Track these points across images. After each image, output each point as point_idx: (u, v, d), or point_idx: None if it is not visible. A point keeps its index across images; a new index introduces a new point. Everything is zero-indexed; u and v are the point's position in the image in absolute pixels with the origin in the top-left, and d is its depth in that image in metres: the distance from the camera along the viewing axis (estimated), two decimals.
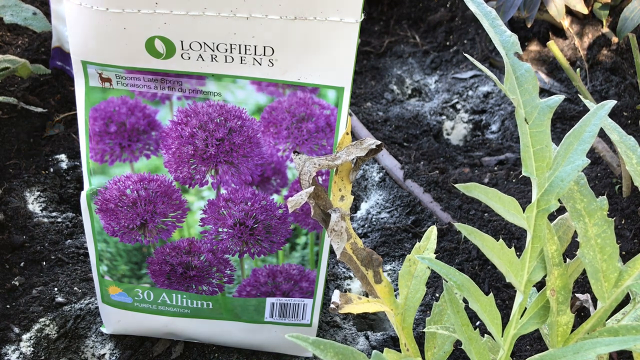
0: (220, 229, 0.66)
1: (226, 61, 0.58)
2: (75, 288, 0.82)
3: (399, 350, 0.60)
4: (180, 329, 0.75)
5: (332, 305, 0.53)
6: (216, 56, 0.57)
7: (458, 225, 0.51)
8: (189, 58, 0.57)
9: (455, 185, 0.50)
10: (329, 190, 0.63)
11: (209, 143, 0.62)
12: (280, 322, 0.73)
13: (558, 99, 0.50)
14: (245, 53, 0.57)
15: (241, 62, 0.58)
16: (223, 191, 0.65)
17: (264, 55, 0.57)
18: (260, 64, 0.57)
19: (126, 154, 0.64)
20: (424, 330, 0.61)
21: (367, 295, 0.58)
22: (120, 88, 0.60)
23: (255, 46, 0.56)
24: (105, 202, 0.65)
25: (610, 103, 0.51)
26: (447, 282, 0.54)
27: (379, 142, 0.58)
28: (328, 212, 0.57)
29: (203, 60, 0.57)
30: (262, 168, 0.63)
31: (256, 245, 0.67)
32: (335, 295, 0.54)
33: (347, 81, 0.58)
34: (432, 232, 0.63)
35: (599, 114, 0.51)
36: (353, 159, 0.58)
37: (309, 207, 0.63)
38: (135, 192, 0.65)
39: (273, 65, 0.57)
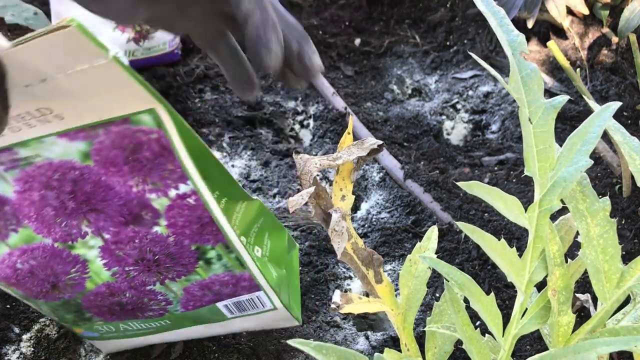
0: (126, 268, 0.65)
1: (13, 131, 0.53)
2: None
3: (399, 350, 0.60)
4: (157, 340, 0.75)
5: (332, 305, 0.53)
6: (20, 129, 0.53)
7: (460, 224, 0.51)
8: None
9: (458, 184, 0.50)
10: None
11: (64, 199, 0.59)
12: (244, 314, 0.72)
13: (562, 99, 0.50)
14: (28, 119, 0.53)
15: (30, 127, 0.53)
16: (107, 236, 0.62)
17: (48, 114, 0.52)
18: (51, 122, 0.53)
19: None
20: (424, 330, 0.61)
21: (367, 295, 0.58)
22: None
23: (28, 112, 0.52)
24: (6, 279, 0.64)
25: (615, 105, 0.51)
26: (448, 281, 0.54)
27: (380, 142, 0.58)
28: (329, 211, 0.56)
29: (3, 135, 0.54)
30: (126, 207, 0.60)
31: (170, 272, 0.66)
32: (336, 296, 0.54)
33: (149, 102, 0.52)
34: (432, 232, 0.63)
35: (603, 116, 0.51)
36: (354, 158, 0.57)
37: (197, 227, 0.62)
38: (25, 263, 0.63)
39: (64, 118, 0.53)
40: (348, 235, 0.55)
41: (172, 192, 0.59)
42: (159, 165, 0.57)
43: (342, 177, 0.59)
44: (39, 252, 0.63)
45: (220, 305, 0.71)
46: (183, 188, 0.58)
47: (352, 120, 1.11)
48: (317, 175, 0.56)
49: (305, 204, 0.55)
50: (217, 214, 0.61)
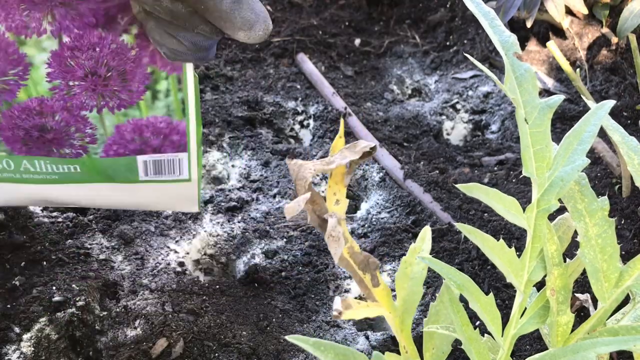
0: (70, 83, 0.60)
1: None
2: (75, 287, 0.82)
3: (399, 352, 0.60)
4: (52, 196, 0.71)
5: (334, 313, 0.53)
6: None
7: (458, 225, 0.51)
8: None
9: (456, 186, 0.50)
10: None
11: None
12: (157, 179, 0.69)
13: (558, 98, 0.50)
14: None
15: None
16: (66, 39, 0.58)
17: None
18: None
19: None
20: (423, 330, 0.61)
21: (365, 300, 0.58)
22: None
23: None
24: None
25: (610, 103, 0.51)
26: (446, 281, 0.54)
27: (372, 145, 0.57)
28: (324, 217, 0.56)
29: None
30: (104, 5, 0.56)
31: (113, 98, 0.62)
32: (337, 303, 0.54)
33: None
34: (426, 233, 0.63)
35: (598, 114, 0.51)
36: (347, 162, 0.57)
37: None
38: None
39: None
40: (344, 240, 0.55)
41: None
42: None
43: (335, 181, 0.58)
44: None
45: (139, 159, 0.67)
46: None
47: (352, 121, 1.11)
48: (314, 178, 0.56)
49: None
50: None
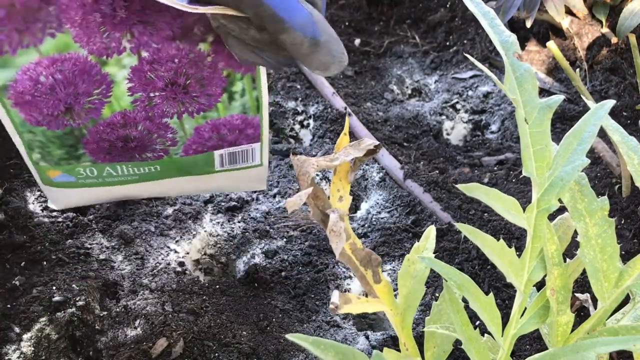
0: (151, 94, 0.62)
1: None
2: (75, 287, 0.82)
3: (399, 350, 0.60)
4: (132, 193, 0.72)
5: (331, 306, 0.53)
6: None
7: (458, 225, 0.51)
8: None
9: (456, 186, 0.50)
10: None
11: (117, 6, 0.56)
12: (232, 168, 0.72)
13: (558, 98, 0.50)
14: None
15: None
16: (145, 54, 0.60)
17: None
18: None
19: (27, 38, 0.56)
20: (423, 330, 0.61)
21: (366, 295, 0.58)
22: None
23: None
24: (20, 95, 0.59)
25: (610, 103, 0.51)
26: (447, 281, 0.54)
27: (377, 143, 0.58)
28: (327, 212, 0.57)
29: None
30: (181, 19, 0.58)
31: (193, 103, 0.64)
32: (335, 296, 0.54)
33: None
34: (430, 232, 0.63)
35: (598, 114, 0.51)
36: (351, 159, 0.58)
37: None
38: (50, 77, 0.59)
39: None
40: (346, 235, 0.55)
41: None
42: None
43: (339, 177, 0.59)
44: (70, 65, 0.59)
45: (216, 153, 0.69)
46: None
47: (352, 121, 1.11)
48: (316, 175, 0.56)
49: (305, 204, 0.55)
50: None
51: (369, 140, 0.58)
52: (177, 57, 0.60)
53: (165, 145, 0.67)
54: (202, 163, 0.70)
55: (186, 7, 0.50)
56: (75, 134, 0.63)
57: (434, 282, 0.85)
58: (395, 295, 0.60)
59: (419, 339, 0.61)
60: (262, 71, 0.64)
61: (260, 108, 0.66)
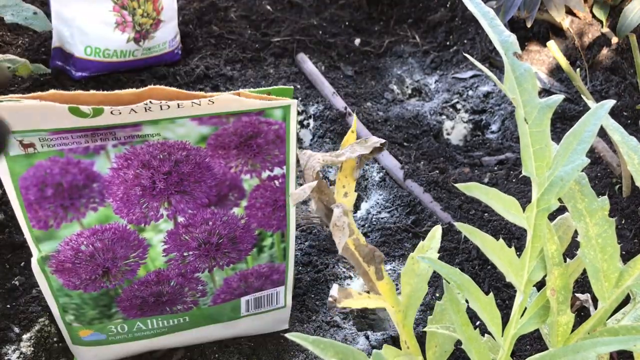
0: (185, 253, 0.65)
1: (161, 109, 0.55)
2: None
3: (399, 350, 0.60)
4: (158, 345, 0.75)
5: (330, 299, 0.53)
6: (150, 107, 0.54)
7: (458, 225, 0.51)
8: (120, 113, 0.54)
9: (456, 185, 0.50)
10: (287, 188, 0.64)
11: (156, 179, 0.59)
12: (257, 312, 0.74)
13: (557, 98, 0.50)
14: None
15: (178, 107, 0.55)
16: (181, 219, 0.62)
17: (204, 99, 0.55)
18: (200, 104, 0.56)
19: (71, 213, 0.59)
20: (424, 329, 0.61)
21: (367, 293, 0.58)
22: (46, 150, 0.55)
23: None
24: (61, 263, 0.62)
25: (610, 102, 0.51)
26: (447, 282, 0.54)
27: (383, 141, 0.58)
28: (331, 207, 0.57)
29: (136, 112, 0.54)
30: (216, 188, 0.61)
31: (224, 258, 0.67)
32: (334, 290, 0.54)
33: (292, 99, 0.58)
34: (436, 231, 0.64)
35: (598, 114, 0.51)
36: (357, 156, 0.58)
37: (270, 210, 0.65)
38: (90, 246, 0.61)
39: (214, 103, 0.56)
40: (350, 231, 0.55)
41: (265, 174, 0.62)
42: (266, 150, 0.60)
43: (344, 174, 0.59)
44: (109, 234, 0.61)
45: (243, 300, 0.72)
46: (277, 171, 0.62)
47: (352, 121, 1.11)
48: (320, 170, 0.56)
49: (306, 202, 0.55)
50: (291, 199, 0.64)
51: (375, 138, 0.58)
52: (211, 220, 0.63)
53: (196, 297, 0.69)
54: (229, 310, 0.73)
55: None
56: (110, 294, 0.66)
57: (435, 282, 0.85)
58: (397, 294, 0.60)
59: (420, 338, 0.61)
60: (292, 225, 0.67)
61: (287, 256, 0.70)
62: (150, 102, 0.54)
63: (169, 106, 0.54)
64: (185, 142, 0.58)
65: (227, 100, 0.56)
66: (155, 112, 0.55)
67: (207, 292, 0.70)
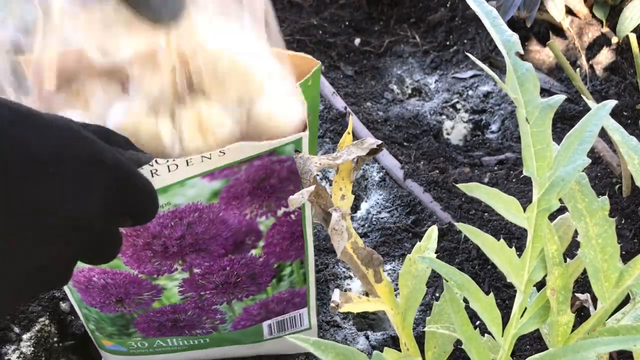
0: (202, 293, 0.63)
1: (169, 170, 0.50)
2: None
3: (399, 350, 0.60)
4: (182, 359, 0.75)
5: (332, 304, 0.53)
6: (157, 170, 0.50)
7: (459, 225, 0.51)
8: None
9: (457, 185, 0.50)
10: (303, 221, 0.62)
11: (169, 245, 0.57)
12: (281, 335, 0.73)
13: (559, 98, 0.50)
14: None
15: (187, 165, 0.50)
16: (196, 270, 0.61)
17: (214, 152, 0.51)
18: (210, 158, 0.51)
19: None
20: (424, 329, 0.61)
21: (367, 295, 0.58)
22: None
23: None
24: (76, 283, 0.61)
25: (611, 103, 0.51)
26: (447, 281, 0.54)
27: (379, 142, 0.58)
28: (329, 211, 0.57)
29: None
30: (232, 238, 0.59)
31: (243, 292, 0.65)
32: (335, 295, 0.54)
33: (304, 131, 0.54)
34: (433, 232, 0.63)
35: (599, 114, 0.51)
36: (354, 158, 0.57)
37: (287, 243, 0.62)
38: (102, 279, 0.60)
39: (225, 154, 0.51)
40: (348, 234, 0.55)
41: (281, 211, 0.59)
42: (280, 188, 0.57)
43: (341, 176, 0.59)
44: (121, 277, 0.60)
45: (265, 324, 0.71)
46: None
47: (352, 120, 1.11)
48: (317, 174, 0.56)
49: None
50: (308, 226, 0.62)
51: (371, 139, 0.58)
52: (229, 266, 0.61)
53: (214, 324, 0.68)
54: (251, 334, 0.71)
55: None
56: (126, 317, 0.65)
57: (435, 282, 0.85)
58: (396, 295, 0.60)
59: (419, 339, 0.61)
60: (311, 251, 0.64)
61: (307, 280, 0.67)
62: (156, 161, 0.49)
63: (177, 165, 0.50)
64: (197, 202, 0.55)
65: (238, 149, 0.51)
66: (163, 176, 0.51)
67: (226, 320, 0.68)
